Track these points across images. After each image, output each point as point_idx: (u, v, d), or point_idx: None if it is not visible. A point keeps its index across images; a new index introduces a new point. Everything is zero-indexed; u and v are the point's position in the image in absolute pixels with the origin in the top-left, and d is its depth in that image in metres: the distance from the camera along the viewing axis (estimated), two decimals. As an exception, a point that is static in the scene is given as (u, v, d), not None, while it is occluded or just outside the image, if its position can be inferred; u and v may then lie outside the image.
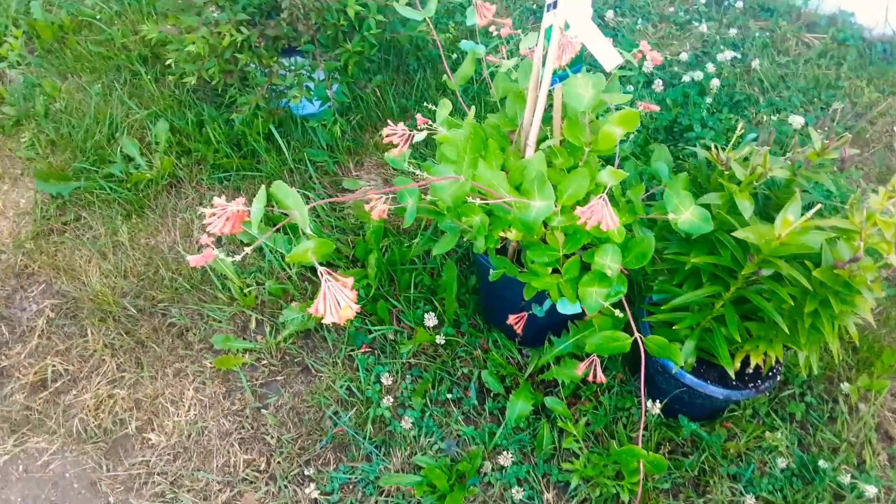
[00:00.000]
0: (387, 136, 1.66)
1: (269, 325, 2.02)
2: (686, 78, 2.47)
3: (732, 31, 2.64)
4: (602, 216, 1.31)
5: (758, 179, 1.45)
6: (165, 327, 2.04)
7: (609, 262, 1.44)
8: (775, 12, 2.77)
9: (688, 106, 2.39)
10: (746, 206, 1.40)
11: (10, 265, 2.20)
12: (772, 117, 2.39)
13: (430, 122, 1.64)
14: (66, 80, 2.64)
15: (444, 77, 1.82)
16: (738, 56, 2.57)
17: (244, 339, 2.01)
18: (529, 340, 1.97)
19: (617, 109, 1.51)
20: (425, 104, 1.70)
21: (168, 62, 2.16)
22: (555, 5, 1.40)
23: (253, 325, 2.03)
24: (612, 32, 2.72)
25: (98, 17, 2.79)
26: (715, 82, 2.42)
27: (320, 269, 1.05)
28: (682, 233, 1.50)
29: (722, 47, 2.60)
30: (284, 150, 2.33)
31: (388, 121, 1.71)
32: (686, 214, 1.41)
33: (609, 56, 1.43)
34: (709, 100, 2.39)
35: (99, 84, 2.58)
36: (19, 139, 2.47)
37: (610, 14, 2.77)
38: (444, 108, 1.74)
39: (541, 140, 1.65)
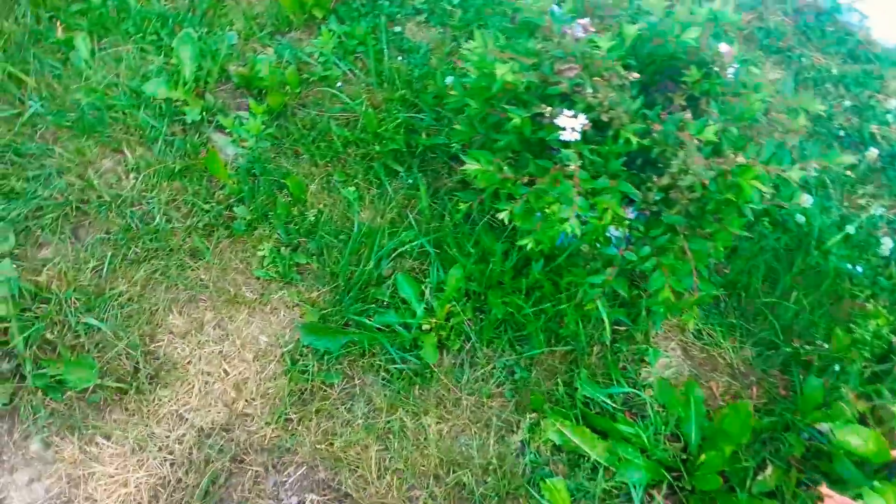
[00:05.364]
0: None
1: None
2: None
3: None
4: None
5: None
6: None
7: None
8: None
9: None
10: None
11: (260, 434, 1.74)
12: None
13: None
14: (297, 166, 2.11)
15: None
16: None
17: None
18: None
19: None
20: None
21: (501, 215, 1.69)
22: None
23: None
24: None
25: (339, 83, 2.23)
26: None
27: None
28: None
29: None
30: (606, 322, 1.87)
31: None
32: None
33: None
34: None
35: (353, 186, 2.06)
36: (254, 250, 1.96)
37: None
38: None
39: None
